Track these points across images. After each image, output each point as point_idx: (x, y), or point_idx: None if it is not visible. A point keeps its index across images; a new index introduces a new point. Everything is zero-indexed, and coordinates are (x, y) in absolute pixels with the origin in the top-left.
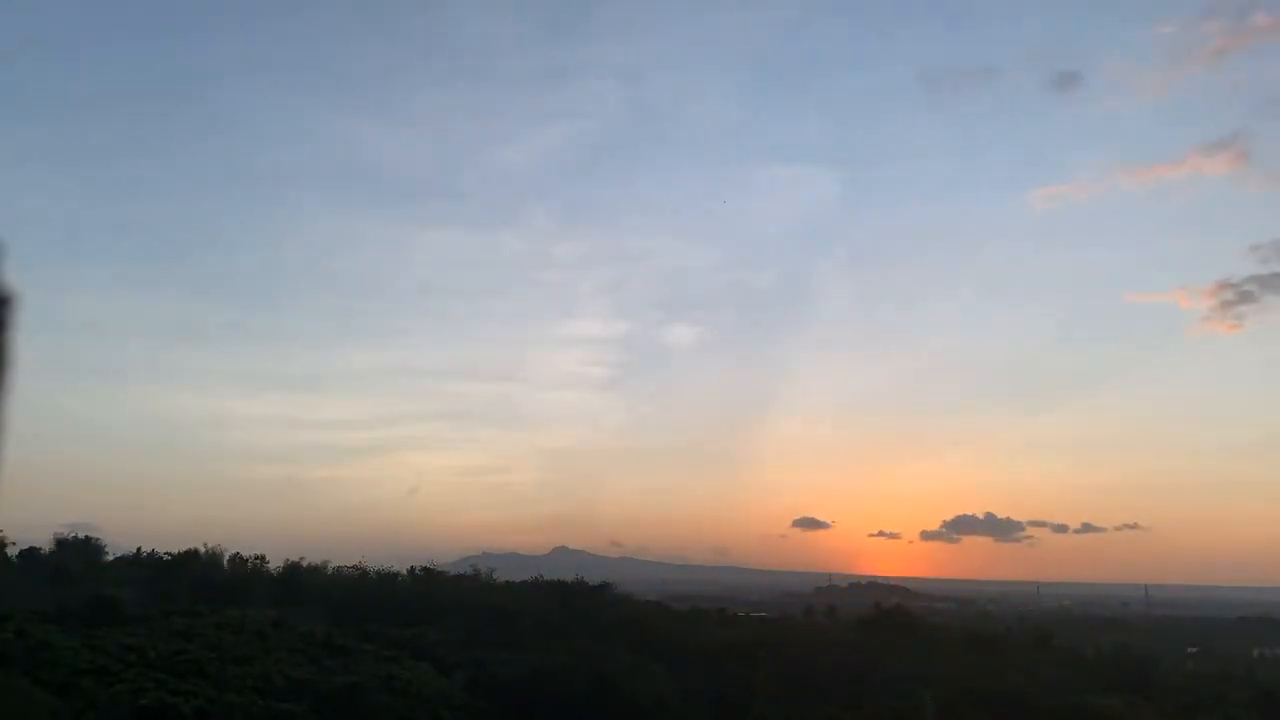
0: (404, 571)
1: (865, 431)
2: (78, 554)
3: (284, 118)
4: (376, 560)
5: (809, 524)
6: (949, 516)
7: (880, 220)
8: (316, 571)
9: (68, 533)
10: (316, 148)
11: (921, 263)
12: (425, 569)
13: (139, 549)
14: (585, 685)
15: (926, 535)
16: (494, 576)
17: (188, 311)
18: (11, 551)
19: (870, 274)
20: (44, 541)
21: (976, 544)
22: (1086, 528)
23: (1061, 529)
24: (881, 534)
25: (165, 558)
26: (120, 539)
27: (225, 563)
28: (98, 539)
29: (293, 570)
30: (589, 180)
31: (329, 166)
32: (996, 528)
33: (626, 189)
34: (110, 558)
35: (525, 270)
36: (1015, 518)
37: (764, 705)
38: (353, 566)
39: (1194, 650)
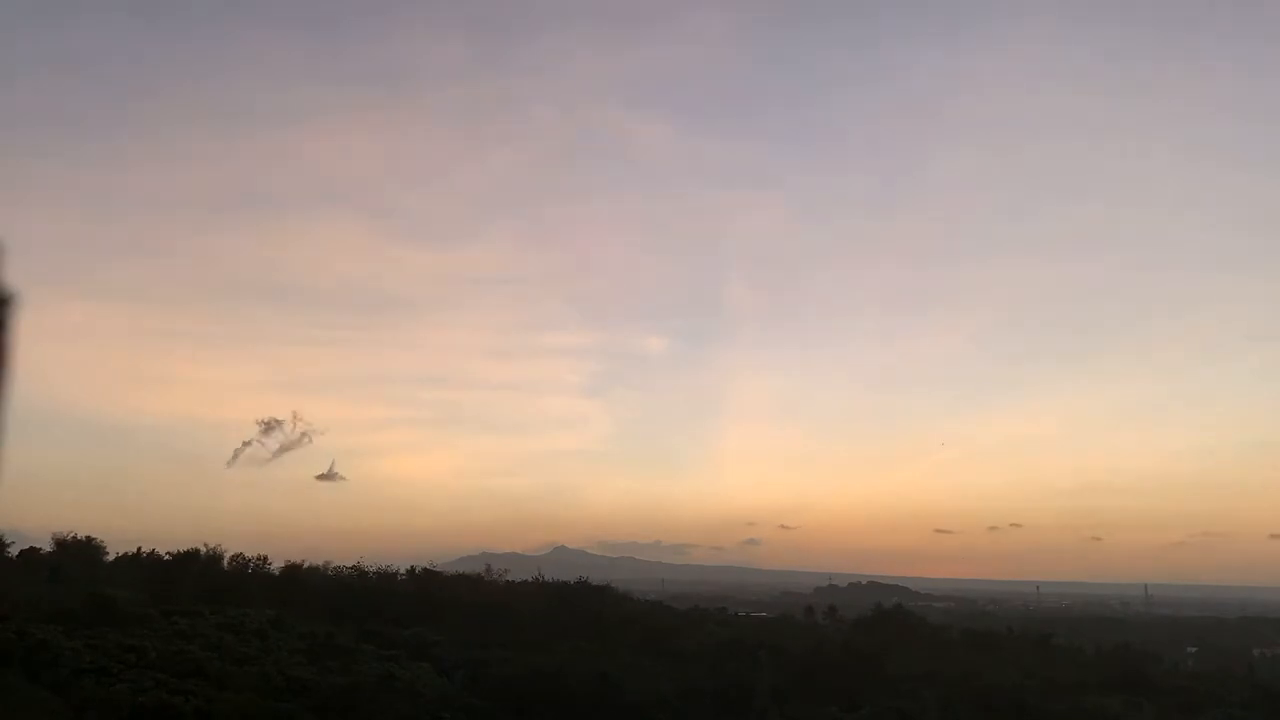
0: (403, 571)
1: (809, 437)
2: (77, 554)
3: (266, 139)
4: (376, 560)
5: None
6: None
7: (828, 236)
8: (316, 571)
9: (67, 533)
10: (299, 169)
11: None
12: (425, 569)
13: (139, 549)
14: (585, 685)
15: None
16: (498, 576)
17: (186, 318)
18: (11, 551)
19: (815, 287)
20: (44, 541)
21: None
22: None
23: None
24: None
25: (165, 558)
26: (120, 539)
27: (225, 563)
28: (98, 539)
29: (293, 570)
30: (544, 201)
31: (312, 185)
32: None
33: (582, 209)
34: (110, 558)
35: (494, 284)
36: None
37: (764, 705)
38: (352, 566)
39: (1194, 650)
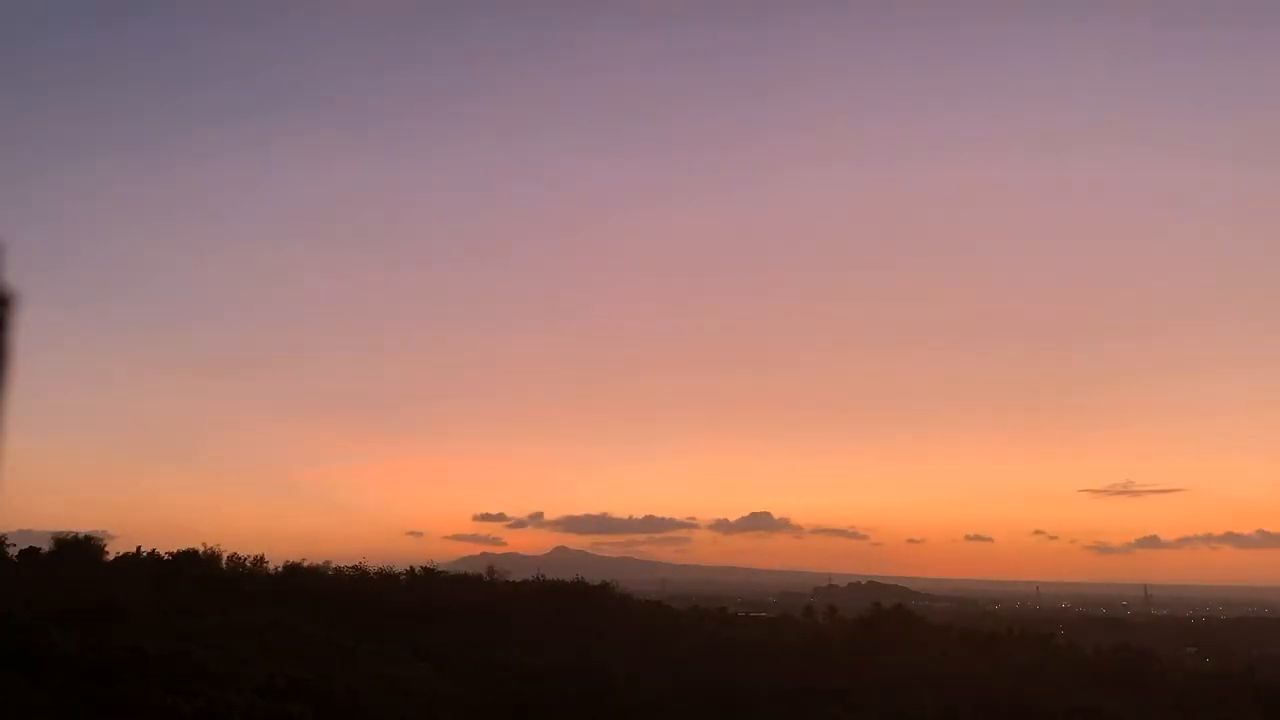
0: (404, 572)
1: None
2: (78, 554)
3: (236, 165)
4: (376, 561)
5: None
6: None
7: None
8: (316, 571)
9: (67, 533)
10: (274, 194)
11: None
12: (425, 569)
13: (139, 549)
14: (585, 684)
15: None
16: (499, 576)
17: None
18: (11, 551)
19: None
20: (44, 541)
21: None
22: None
23: None
24: None
25: (165, 558)
26: (120, 539)
27: (225, 563)
28: (98, 539)
29: (293, 570)
30: (498, 217)
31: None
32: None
33: (537, 223)
34: (110, 557)
35: (468, 295)
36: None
37: (764, 705)
38: (352, 567)
39: (1194, 650)
